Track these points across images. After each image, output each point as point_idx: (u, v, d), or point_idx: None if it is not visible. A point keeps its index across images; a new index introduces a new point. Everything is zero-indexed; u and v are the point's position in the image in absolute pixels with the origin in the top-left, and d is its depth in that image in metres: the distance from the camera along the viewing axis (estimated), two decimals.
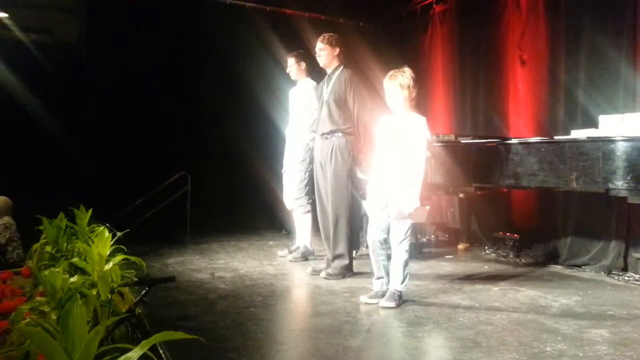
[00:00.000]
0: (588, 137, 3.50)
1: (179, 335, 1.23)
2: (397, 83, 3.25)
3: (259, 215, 6.57)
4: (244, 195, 6.47)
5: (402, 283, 3.28)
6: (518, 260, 4.86)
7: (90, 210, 4.17)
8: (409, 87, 3.24)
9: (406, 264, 3.28)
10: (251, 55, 6.51)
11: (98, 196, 5.01)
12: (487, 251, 5.27)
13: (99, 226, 3.97)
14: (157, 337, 1.19)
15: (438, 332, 2.78)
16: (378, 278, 3.40)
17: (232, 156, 6.39)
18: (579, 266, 4.49)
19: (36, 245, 4.14)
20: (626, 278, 4.05)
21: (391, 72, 3.30)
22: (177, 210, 5.68)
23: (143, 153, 5.87)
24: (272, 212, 6.50)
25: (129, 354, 1.19)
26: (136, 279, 2.80)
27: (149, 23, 6.08)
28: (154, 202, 5.51)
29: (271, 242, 5.69)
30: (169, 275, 2.64)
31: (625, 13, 4.24)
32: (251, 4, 6.71)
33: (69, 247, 3.89)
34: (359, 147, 4.06)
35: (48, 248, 4.04)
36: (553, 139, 3.82)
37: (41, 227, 4.14)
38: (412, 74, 3.27)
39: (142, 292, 2.17)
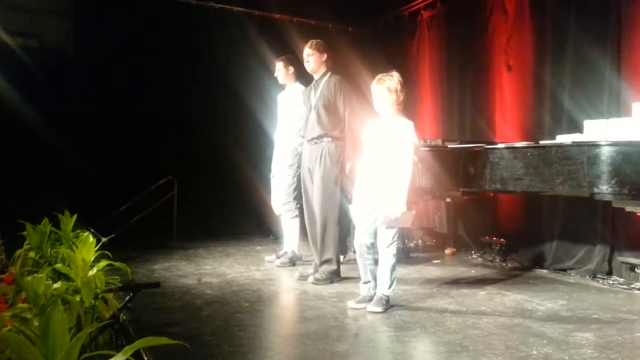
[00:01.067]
0: (573, 142, 3.53)
1: (163, 340, 1.22)
2: (385, 87, 3.25)
3: (246, 221, 6.53)
4: (231, 200, 6.43)
5: (389, 288, 3.27)
6: (504, 264, 4.90)
7: (75, 216, 4.12)
8: (396, 91, 3.25)
9: (393, 269, 3.28)
10: (240, 59, 6.49)
11: (83, 201, 4.93)
12: (473, 255, 5.30)
13: (83, 231, 3.93)
14: (140, 343, 1.18)
15: (425, 337, 2.78)
16: (365, 282, 3.40)
17: (220, 161, 6.34)
18: (564, 270, 4.53)
19: (19, 251, 4.08)
20: (611, 282, 4.09)
21: (379, 76, 3.31)
22: (163, 215, 5.63)
23: (129, 157, 5.80)
24: (259, 217, 6.47)
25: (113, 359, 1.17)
26: (120, 285, 2.77)
27: (137, 27, 6.02)
28: (140, 207, 5.46)
29: (259, 247, 5.66)
30: (154, 281, 2.60)
31: (610, 20, 4.30)
32: (239, 8, 6.69)
33: (52, 252, 3.84)
34: (348, 152, 4.05)
35: (32, 254, 3.98)
36: (539, 143, 3.85)
37: (25, 233, 4.08)
38: (400, 78, 3.28)
39: (127, 298, 2.14)
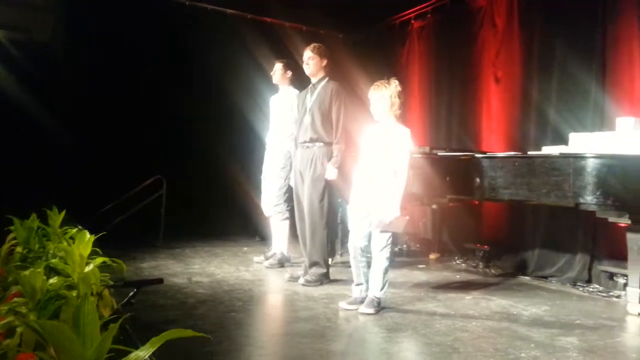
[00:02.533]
0: (561, 154, 3.66)
1: (188, 332, 1.25)
2: (382, 94, 3.33)
3: (232, 221, 6.53)
4: (219, 201, 6.44)
5: (381, 290, 3.34)
6: (487, 270, 5.01)
7: (64, 212, 4.09)
8: (392, 97, 3.33)
9: (386, 272, 3.35)
10: (231, 60, 6.51)
11: (71, 198, 4.89)
12: (457, 261, 5.40)
13: (71, 228, 3.91)
14: (167, 335, 1.21)
15: (417, 338, 2.85)
16: (357, 285, 3.46)
17: (209, 161, 6.35)
18: (546, 277, 4.65)
19: (5, 246, 4.03)
20: (590, 289, 4.23)
21: (377, 83, 3.38)
22: (149, 214, 5.61)
23: (118, 155, 5.77)
24: (246, 218, 6.48)
25: (139, 352, 1.20)
26: (111, 282, 2.77)
27: (127, 25, 5.99)
28: (128, 205, 5.43)
29: (245, 248, 5.68)
30: (156, 277, 2.62)
31: (596, 36, 4.46)
32: (232, 11, 6.72)
33: (39, 249, 3.80)
34: (343, 157, 4.11)
35: (19, 249, 3.93)
36: (527, 154, 3.97)
37: (12, 228, 4.03)
38: (397, 86, 3.36)
39: (130, 294, 2.16)
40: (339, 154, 4.08)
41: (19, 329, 2.28)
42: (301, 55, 4.45)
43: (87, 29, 5.90)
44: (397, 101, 3.35)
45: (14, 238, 4.11)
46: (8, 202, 4.57)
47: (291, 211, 4.63)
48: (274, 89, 5.08)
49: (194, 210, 6.23)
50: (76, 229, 3.84)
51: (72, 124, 5.62)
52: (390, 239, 3.36)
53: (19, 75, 5.57)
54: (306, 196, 4.14)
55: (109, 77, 5.90)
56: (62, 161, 5.28)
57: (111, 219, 5.17)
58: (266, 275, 4.40)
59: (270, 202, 4.80)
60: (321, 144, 4.15)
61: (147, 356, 1.21)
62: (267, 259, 4.80)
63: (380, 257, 3.33)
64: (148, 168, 5.65)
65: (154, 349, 1.21)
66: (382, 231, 3.32)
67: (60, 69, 5.90)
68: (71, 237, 3.48)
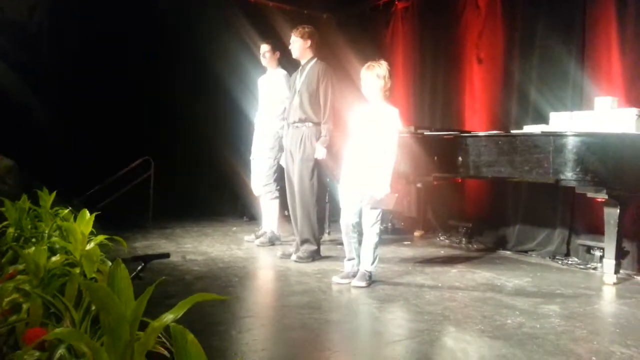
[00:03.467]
0: (542, 132, 3.81)
1: (213, 296, 1.34)
2: (375, 73, 3.42)
3: (220, 202, 6.59)
4: (206, 181, 6.47)
5: (372, 264, 3.48)
6: (470, 246, 5.20)
7: (54, 193, 4.11)
8: (384, 77, 3.42)
9: (376, 246, 3.48)
10: (218, 40, 6.47)
11: (59, 179, 4.89)
12: (441, 238, 5.58)
13: (62, 209, 3.93)
14: (194, 298, 1.30)
15: (409, 308, 2.99)
16: (349, 259, 3.58)
17: (197, 142, 6.37)
18: (526, 252, 4.86)
19: None
20: (569, 262, 4.44)
21: (369, 63, 3.47)
22: (139, 194, 5.64)
23: (106, 136, 5.75)
24: (233, 198, 6.55)
25: (169, 314, 1.29)
26: (109, 261, 2.83)
27: (111, 6, 5.90)
28: (117, 186, 5.44)
29: (234, 228, 5.76)
30: (162, 252, 2.69)
31: (575, 18, 4.61)
32: None
33: (32, 229, 3.83)
34: (331, 136, 4.20)
35: (11, 230, 3.95)
36: (510, 132, 4.12)
37: (2, 209, 4.03)
38: (388, 67, 3.46)
39: (139, 268, 2.24)
40: (327, 134, 4.17)
41: (25, 305, 2.35)
42: (287, 35, 4.50)
43: (68, 9, 5.81)
44: (389, 82, 3.44)
45: (1, 220, 4.12)
46: None
47: (281, 190, 4.72)
48: (262, 69, 5.12)
49: (182, 190, 6.27)
50: (67, 209, 3.88)
51: (58, 106, 5.56)
52: (380, 215, 3.49)
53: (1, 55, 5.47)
54: (296, 175, 4.23)
55: (94, 58, 5.83)
56: (49, 143, 5.24)
57: (100, 200, 5.19)
58: (258, 253, 4.50)
59: (260, 182, 4.88)
60: (310, 124, 4.23)
61: (174, 319, 1.30)
62: (257, 237, 4.89)
63: (371, 232, 3.46)
64: (136, 149, 5.65)
65: (183, 312, 1.30)
66: (372, 208, 3.44)
67: (41, 49, 5.82)
68: (66, 217, 3.52)
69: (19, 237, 3.84)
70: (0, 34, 5.59)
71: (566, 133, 3.63)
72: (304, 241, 4.22)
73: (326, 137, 4.18)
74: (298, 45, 4.29)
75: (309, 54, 4.31)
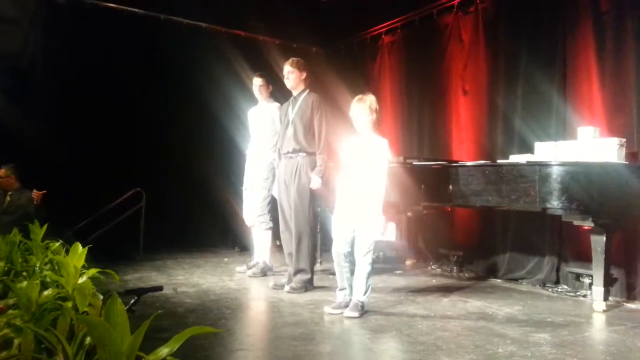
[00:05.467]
0: (527, 162, 3.90)
1: (208, 329, 1.37)
2: (366, 106, 3.52)
3: (211, 233, 6.58)
4: (197, 212, 6.49)
5: (364, 294, 3.49)
6: (461, 274, 5.23)
7: (46, 226, 4.10)
8: (375, 110, 3.52)
9: (369, 276, 3.50)
10: (209, 73, 6.59)
11: (49, 211, 4.89)
12: (432, 266, 5.62)
13: (53, 242, 3.92)
14: (189, 332, 1.32)
15: (401, 338, 3.00)
16: (341, 289, 3.60)
17: (187, 173, 6.41)
18: (517, 280, 4.90)
19: None
20: (559, 290, 4.48)
21: (359, 96, 3.57)
22: (129, 226, 5.63)
23: (98, 168, 5.77)
24: (225, 229, 6.55)
25: (164, 348, 1.31)
26: (100, 295, 2.82)
27: (102, 39, 6.02)
28: (108, 218, 5.44)
29: (226, 259, 5.75)
30: (156, 285, 2.70)
31: (557, 49, 4.77)
32: (207, 25, 6.84)
33: (22, 262, 3.81)
34: (326, 167, 4.26)
35: (1, 264, 3.92)
36: (496, 162, 4.20)
37: None
38: (375, 99, 3.56)
39: (131, 302, 2.24)
40: (323, 164, 4.22)
41: (16, 340, 2.34)
42: (278, 68, 4.60)
43: (60, 42, 5.89)
44: (377, 113, 3.53)
45: None
46: None
47: (274, 221, 4.74)
48: (252, 101, 5.20)
49: (173, 222, 6.27)
50: (58, 242, 3.86)
51: (49, 138, 5.58)
52: (372, 245, 3.52)
53: None
54: (292, 205, 4.26)
55: (85, 90, 5.91)
56: (40, 175, 5.23)
57: (91, 232, 5.17)
58: (250, 284, 4.50)
59: (253, 213, 4.90)
60: (304, 154, 4.29)
61: (168, 354, 1.32)
62: (249, 268, 4.89)
63: (363, 262, 3.48)
64: (127, 181, 5.67)
65: (178, 345, 1.32)
66: (365, 237, 3.47)
67: (33, 80, 5.87)
68: (57, 251, 3.52)
69: (9, 270, 3.83)
70: None
71: (551, 162, 3.72)
72: (298, 271, 4.22)
73: (321, 167, 4.23)
74: (294, 76, 4.38)
75: (302, 85, 4.41)
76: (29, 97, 5.63)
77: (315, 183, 4.21)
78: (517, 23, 5.16)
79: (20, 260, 3.91)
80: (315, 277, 4.45)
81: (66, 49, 5.87)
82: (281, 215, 4.39)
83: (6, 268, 3.89)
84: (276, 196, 4.53)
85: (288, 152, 4.33)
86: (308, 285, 4.18)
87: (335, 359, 2.65)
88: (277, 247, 4.94)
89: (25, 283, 2.66)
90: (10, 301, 2.76)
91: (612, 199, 3.71)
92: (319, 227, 5.18)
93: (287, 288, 4.13)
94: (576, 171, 3.65)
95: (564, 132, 4.62)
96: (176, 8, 6.52)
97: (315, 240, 4.93)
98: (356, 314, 3.40)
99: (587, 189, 3.63)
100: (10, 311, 2.70)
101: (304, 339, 2.89)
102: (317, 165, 4.25)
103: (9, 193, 5.12)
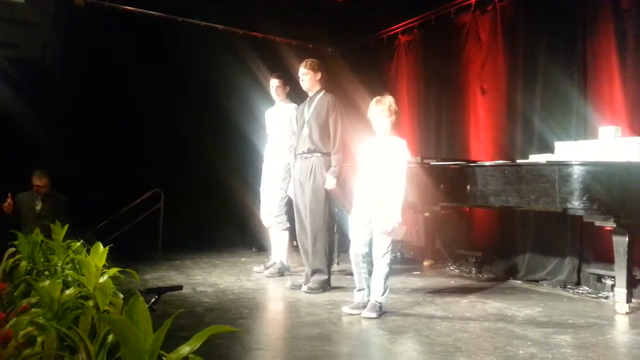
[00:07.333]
0: (547, 162, 3.85)
1: (228, 328, 1.38)
2: (385, 107, 3.51)
3: (228, 233, 6.63)
4: (215, 212, 6.53)
5: (382, 295, 3.48)
6: (480, 275, 5.18)
7: (67, 226, 4.16)
8: (394, 111, 3.51)
9: (387, 277, 3.49)
10: (226, 74, 6.65)
11: (71, 211, 4.97)
12: (450, 267, 5.57)
13: (74, 242, 3.97)
14: (210, 330, 1.33)
15: (420, 339, 2.99)
16: (359, 290, 3.59)
17: (206, 173, 6.46)
18: (537, 281, 4.83)
19: (10, 261, 4.07)
20: (580, 291, 4.41)
21: (377, 98, 3.56)
22: (148, 226, 5.69)
23: (117, 169, 5.85)
24: (242, 229, 6.59)
25: (186, 346, 1.32)
26: (121, 294, 2.86)
27: (122, 42, 6.10)
28: (127, 218, 5.51)
29: (244, 259, 5.78)
30: (176, 285, 2.72)
31: (577, 47, 4.70)
32: (223, 27, 6.88)
33: (44, 262, 3.87)
34: (343, 167, 4.26)
35: (23, 263, 3.99)
36: (516, 162, 4.15)
37: (16, 242, 4.09)
38: (394, 100, 3.55)
39: (152, 300, 2.27)
40: (337, 164, 4.22)
41: (39, 338, 2.38)
42: (294, 69, 4.61)
43: (80, 45, 5.98)
44: (396, 114, 3.53)
45: (14, 253, 4.17)
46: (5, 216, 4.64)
47: (291, 221, 4.75)
48: (269, 101, 5.22)
49: (191, 222, 6.31)
50: (79, 242, 3.92)
51: (69, 141, 5.68)
52: (391, 246, 3.51)
53: (9, 92, 5.61)
54: (307, 205, 4.27)
55: (104, 93, 6.00)
56: (59, 176, 5.32)
57: (110, 233, 5.24)
58: (268, 284, 4.52)
59: (271, 213, 4.92)
60: (319, 154, 4.29)
61: (190, 352, 1.33)
62: (267, 268, 4.91)
63: (381, 263, 3.47)
64: (146, 181, 5.73)
65: (199, 344, 1.33)
66: (383, 238, 3.46)
67: (53, 85, 5.96)
68: (78, 250, 3.57)
69: (31, 270, 3.90)
70: (14, 70, 5.77)
71: (571, 162, 3.66)
72: (315, 271, 4.23)
73: (336, 168, 4.23)
74: (309, 77, 4.39)
75: (317, 86, 4.41)
76: (50, 99, 5.72)
77: (330, 183, 4.21)
78: (536, 21, 5.10)
79: (42, 259, 3.98)
80: (332, 278, 4.45)
81: (84, 54, 5.96)
82: (297, 216, 4.40)
83: (29, 267, 3.97)
84: (292, 196, 4.54)
85: (303, 153, 4.34)
86: (325, 286, 4.19)
87: (355, 358, 2.64)
88: (295, 247, 4.94)
89: (47, 282, 2.71)
90: (33, 300, 2.82)
91: (635, 199, 3.64)
92: (336, 227, 5.18)
93: (304, 288, 4.13)
94: (597, 171, 3.58)
95: (584, 131, 4.55)
96: (193, 10, 6.58)
97: (332, 240, 4.93)
98: (374, 315, 3.39)
99: (609, 189, 3.57)
100: (34, 310, 2.75)
101: (321, 339, 2.89)
102: (332, 165, 4.26)
103: (39, 197, 5.15)
